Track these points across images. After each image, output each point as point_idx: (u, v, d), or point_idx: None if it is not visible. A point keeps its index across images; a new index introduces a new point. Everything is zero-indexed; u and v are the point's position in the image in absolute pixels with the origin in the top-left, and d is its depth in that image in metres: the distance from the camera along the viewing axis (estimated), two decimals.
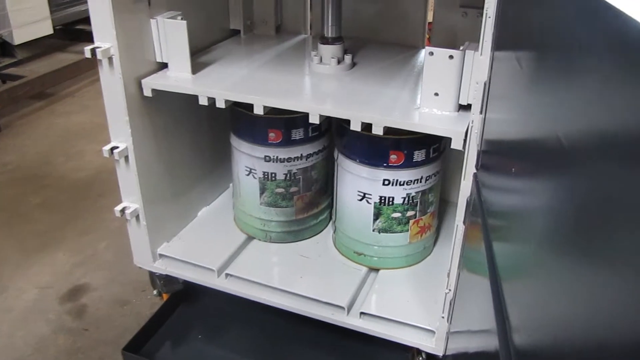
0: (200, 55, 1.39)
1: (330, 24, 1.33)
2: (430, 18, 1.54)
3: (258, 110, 1.17)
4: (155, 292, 1.49)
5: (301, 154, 1.36)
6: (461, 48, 1.04)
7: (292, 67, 1.38)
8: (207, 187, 1.61)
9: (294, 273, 1.37)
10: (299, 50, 1.52)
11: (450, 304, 1.13)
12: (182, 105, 1.38)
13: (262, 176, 1.38)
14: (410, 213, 1.30)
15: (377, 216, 1.30)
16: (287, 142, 1.34)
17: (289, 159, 1.35)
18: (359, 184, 1.29)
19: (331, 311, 1.29)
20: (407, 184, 1.26)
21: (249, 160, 1.37)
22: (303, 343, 1.39)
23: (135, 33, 1.21)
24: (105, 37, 1.15)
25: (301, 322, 1.40)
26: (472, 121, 0.97)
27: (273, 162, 1.35)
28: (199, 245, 1.44)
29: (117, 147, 1.25)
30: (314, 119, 1.14)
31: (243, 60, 1.41)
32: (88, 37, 1.20)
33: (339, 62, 1.33)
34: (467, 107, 1.04)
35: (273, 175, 1.37)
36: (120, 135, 1.25)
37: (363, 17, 1.54)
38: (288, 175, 1.37)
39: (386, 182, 1.26)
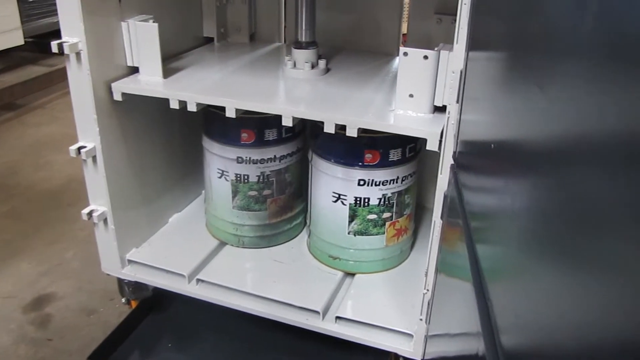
0: (171, 61, 1.37)
1: (304, 28, 1.31)
2: (404, 29, 1.54)
3: (230, 113, 1.14)
4: (123, 300, 1.44)
5: (274, 155, 1.33)
6: (436, 49, 1.03)
7: (266, 72, 1.36)
8: (179, 194, 1.56)
9: (268, 278, 1.33)
10: (273, 56, 1.50)
11: (429, 305, 1.10)
12: (153, 109, 1.35)
13: (234, 178, 1.34)
14: (386, 215, 1.27)
15: (352, 218, 1.27)
16: (260, 143, 1.31)
17: (262, 160, 1.32)
18: (333, 184, 1.26)
19: (306, 316, 1.25)
20: (382, 184, 1.24)
21: (221, 162, 1.34)
22: (278, 351, 1.35)
23: (105, 35, 1.18)
24: (73, 32, 1.12)
25: (275, 329, 1.36)
26: (449, 118, 0.96)
27: (246, 163, 1.32)
28: (169, 251, 1.40)
29: (84, 147, 1.21)
30: (287, 122, 1.11)
31: (216, 65, 1.39)
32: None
33: (312, 66, 1.31)
34: (442, 110, 1.03)
35: (245, 177, 1.33)
36: (89, 135, 1.21)
37: (337, 28, 1.54)
38: (261, 178, 1.34)
39: (361, 182, 1.23)
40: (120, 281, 1.43)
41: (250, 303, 1.28)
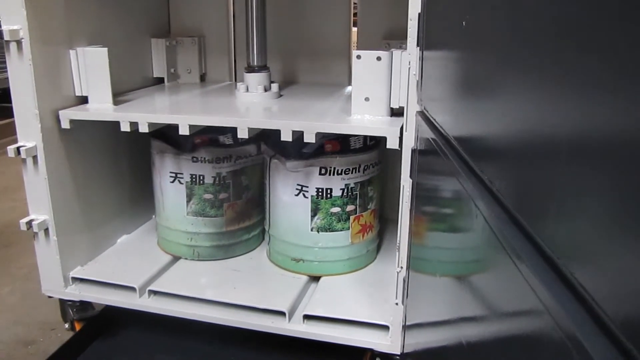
0: (121, 95, 1.33)
1: (255, 52, 1.31)
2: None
3: (184, 131, 1.09)
4: (67, 325, 1.30)
5: (230, 155, 1.27)
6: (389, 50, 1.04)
7: (218, 97, 1.36)
8: (128, 218, 1.47)
9: (226, 285, 1.23)
10: (225, 89, 1.48)
11: (404, 284, 1.03)
12: (102, 137, 1.32)
13: (189, 180, 1.27)
14: (350, 207, 1.22)
15: (315, 212, 1.21)
16: (216, 142, 1.26)
17: (217, 160, 1.26)
18: (294, 176, 1.20)
19: (271, 319, 1.15)
20: (344, 173, 1.19)
21: (175, 163, 1.27)
22: None
23: (52, 64, 1.14)
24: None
25: (238, 343, 1.25)
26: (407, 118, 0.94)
27: (201, 162, 1.25)
28: (118, 268, 1.28)
29: (24, 146, 1.13)
30: (243, 133, 1.07)
31: (166, 96, 1.38)
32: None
33: (265, 90, 1.29)
34: (399, 114, 1.01)
35: (201, 178, 1.26)
36: (30, 137, 1.13)
37: (288, 65, 1.55)
38: (217, 179, 1.27)
39: (322, 171, 1.18)
40: (63, 304, 1.30)
41: (208, 311, 1.18)
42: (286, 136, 1.04)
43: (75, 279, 1.25)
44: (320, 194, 1.20)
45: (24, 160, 1.14)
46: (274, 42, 1.42)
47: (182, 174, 1.27)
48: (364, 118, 1.04)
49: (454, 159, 0.61)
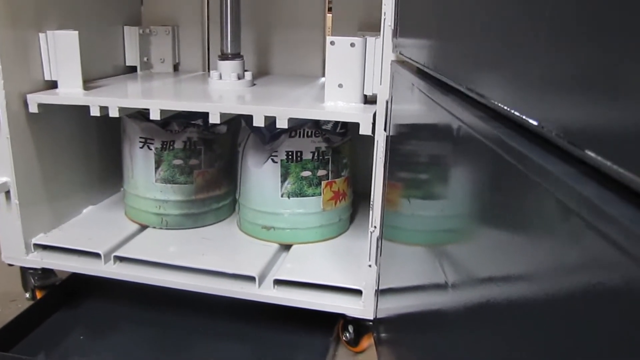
0: (91, 82, 1.29)
1: (229, 39, 1.29)
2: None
3: (155, 116, 1.07)
4: (27, 295, 1.26)
5: (202, 120, 1.24)
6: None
7: (191, 85, 1.34)
8: (95, 191, 1.43)
9: (195, 252, 1.20)
10: (198, 78, 1.46)
11: (377, 244, 1.01)
12: (70, 122, 1.29)
13: (159, 146, 1.24)
14: (321, 172, 1.20)
15: (285, 177, 1.19)
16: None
17: (188, 125, 1.23)
18: (270, 149, 1.18)
19: (240, 285, 1.12)
20: (314, 135, 1.17)
21: (145, 129, 1.24)
22: (210, 338, 1.18)
23: (20, 47, 1.11)
24: None
25: (207, 312, 1.22)
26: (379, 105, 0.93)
27: (171, 132, 1.22)
28: (82, 235, 1.24)
29: None
30: (215, 119, 1.04)
31: (139, 83, 1.35)
32: None
33: (239, 77, 1.27)
34: (373, 102, 1.00)
35: (171, 143, 1.23)
36: None
37: (262, 56, 1.53)
38: (188, 144, 1.24)
39: (292, 134, 1.16)
40: (24, 273, 1.25)
41: (176, 277, 1.14)
42: (259, 122, 1.02)
43: (37, 246, 1.21)
44: (290, 157, 1.17)
45: None
46: (247, 33, 1.40)
47: (152, 139, 1.23)
48: (337, 104, 1.03)
49: (437, 90, 0.60)
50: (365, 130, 0.96)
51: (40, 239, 1.22)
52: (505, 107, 0.39)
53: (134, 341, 1.17)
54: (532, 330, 0.32)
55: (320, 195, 1.21)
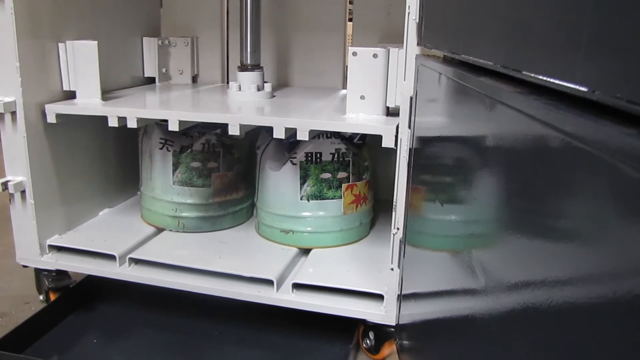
0: (110, 92, 1.29)
1: (249, 50, 1.27)
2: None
3: (173, 127, 1.05)
4: (41, 297, 1.24)
5: (221, 129, 1.22)
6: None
7: (210, 96, 1.32)
8: (111, 194, 1.41)
9: (212, 254, 1.17)
10: (217, 89, 1.44)
11: (400, 247, 0.98)
12: (89, 126, 1.28)
13: (178, 149, 1.22)
14: (342, 175, 1.17)
15: (304, 179, 1.16)
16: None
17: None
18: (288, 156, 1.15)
19: (257, 288, 1.09)
20: (334, 137, 1.14)
21: (165, 132, 1.22)
22: (226, 343, 1.15)
23: (39, 57, 1.11)
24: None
25: (224, 316, 1.19)
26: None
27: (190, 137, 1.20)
28: (98, 237, 1.22)
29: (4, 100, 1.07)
30: (234, 130, 1.03)
31: (157, 94, 1.34)
32: None
33: (258, 89, 1.26)
34: (395, 114, 0.98)
35: (190, 146, 1.21)
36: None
37: (281, 68, 1.51)
38: (206, 146, 1.22)
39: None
40: (38, 274, 1.23)
41: (192, 280, 1.12)
42: (279, 133, 1.00)
43: (52, 247, 1.19)
44: (309, 158, 1.15)
45: (1, 116, 1.09)
46: (267, 44, 1.39)
47: (172, 141, 1.21)
48: (358, 116, 1.00)
49: (468, 74, 0.57)
50: (388, 142, 0.93)
51: (55, 240, 1.20)
52: (546, 78, 0.36)
53: (148, 345, 1.14)
54: (575, 341, 0.28)
55: (341, 198, 1.18)
